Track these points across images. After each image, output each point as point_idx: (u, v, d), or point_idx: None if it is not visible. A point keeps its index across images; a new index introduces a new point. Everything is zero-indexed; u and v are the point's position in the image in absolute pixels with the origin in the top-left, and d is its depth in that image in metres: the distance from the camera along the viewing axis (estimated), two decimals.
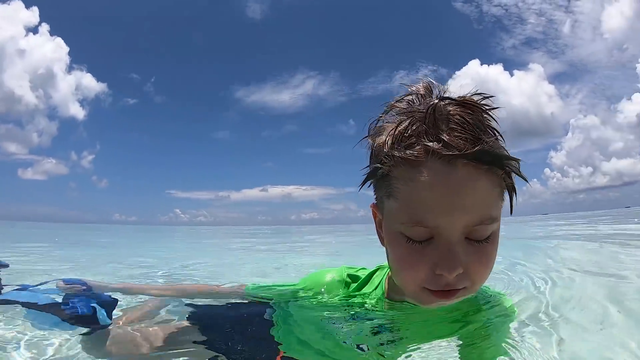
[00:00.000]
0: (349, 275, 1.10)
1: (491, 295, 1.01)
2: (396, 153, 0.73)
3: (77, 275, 1.34)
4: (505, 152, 0.75)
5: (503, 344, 0.91)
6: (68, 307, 1.08)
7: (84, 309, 1.07)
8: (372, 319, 0.98)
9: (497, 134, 0.76)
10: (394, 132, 0.75)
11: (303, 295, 1.13)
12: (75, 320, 1.07)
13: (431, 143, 0.70)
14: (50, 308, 1.10)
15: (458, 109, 0.72)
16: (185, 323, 1.20)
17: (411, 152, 0.71)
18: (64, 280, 1.25)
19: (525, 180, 0.78)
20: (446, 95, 0.76)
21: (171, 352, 1.08)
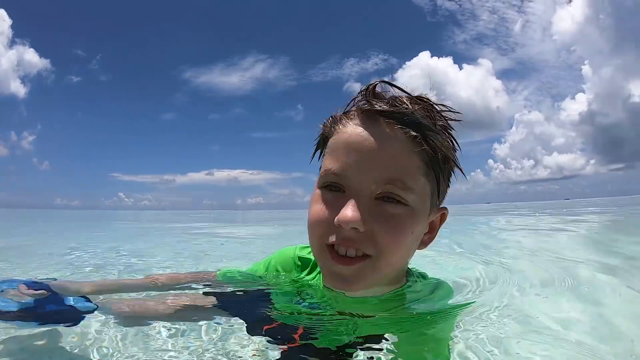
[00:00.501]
0: (299, 258, 1.12)
1: (429, 296, 0.97)
2: (336, 115, 0.84)
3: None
4: (432, 124, 0.78)
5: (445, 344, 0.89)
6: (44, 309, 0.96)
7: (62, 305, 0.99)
8: (312, 308, 0.99)
9: (446, 135, 0.82)
10: (342, 109, 0.85)
11: (265, 278, 1.18)
12: (57, 317, 0.98)
13: (360, 103, 0.81)
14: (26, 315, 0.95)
15: (406, 97, 0.80)
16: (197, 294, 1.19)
17: (345, 114, 0.83)
18: (25, 284, 1.01)
19: (455, 163, 0.84)
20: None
21: (186, 311, 1.08)
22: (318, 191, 0.81)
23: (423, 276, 1.03)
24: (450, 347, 0.89)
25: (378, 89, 0.81)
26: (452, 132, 0.85)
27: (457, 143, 0.85)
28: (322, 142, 0.87)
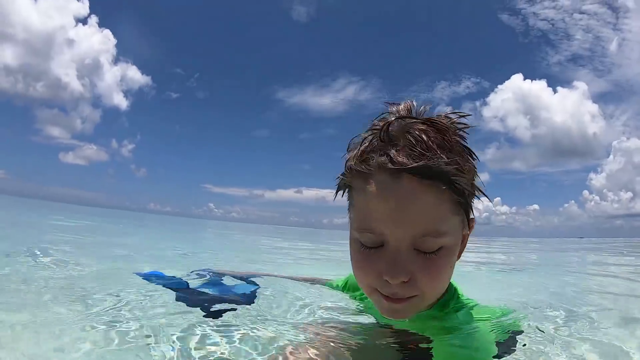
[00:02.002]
0: None
1: (475, 324, 1.00)
2: (353, 165, 0.84)
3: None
4: (455, 169, 0.77)
5: None
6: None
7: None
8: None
9: (465, 151, 0.83)
10: (359, 147, 0.84)
11: (349, 289, 1.43)
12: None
13: (381, 158, 0.78)
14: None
15: (421, 127, 0.79)
16: None
17: (364, 165, 0.81)
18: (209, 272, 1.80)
19: (480, 193, 0.86)
20: (428, 116, 0.84)
21: None
22: (356, 242, 0.85)
23: (464, 297, 1.07)
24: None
25: (392, 127, 0.80)
26: (467, 143, 0.85)
27: (474, 155, 0.86)
28: (347, 189, 0.90)
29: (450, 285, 1.03)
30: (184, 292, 1.46)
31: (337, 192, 0.92)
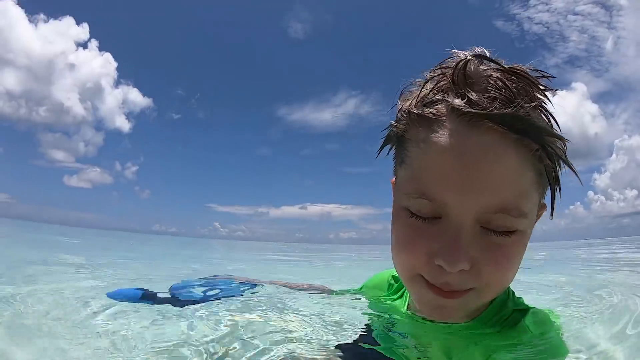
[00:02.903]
0: (393, 277, 1.03)
1: (533, 321, 0.74)
2: (414, 110, 0.62)
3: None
4: (550, 128, 0.61)
5: None
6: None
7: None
8: (391, 330, 0.89)
9: (549, 116, 0.63)
10: (420, 91, 0.64)
11: (364, 292, 1.19)
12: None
13: (456, 100, 0.58)
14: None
15: (500, 74, 0.59)
16: None
17: (429, 109, 0.60)
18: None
19: (572, 169, 0.64)
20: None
21: None
22: (404, 211, 0.63)
23: (519, 297, 0.81)
24: None
25: (470, 68, 0.60)
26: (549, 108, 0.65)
27: (557, 122, 0.65)
28: (397, 142, 0.68)
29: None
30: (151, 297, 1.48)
31: (382, 146, 0.72)
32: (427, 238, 0.60)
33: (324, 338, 1.02)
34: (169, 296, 1.45)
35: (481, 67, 0.60)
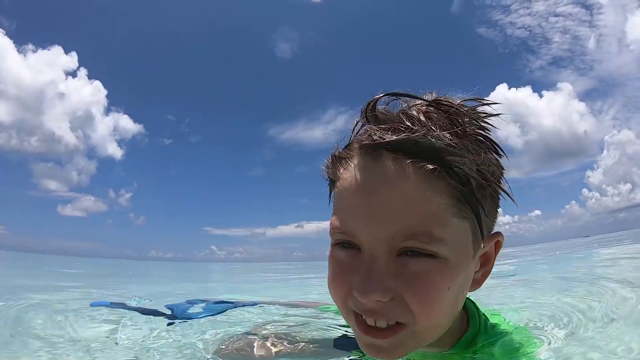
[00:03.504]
0: None
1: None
2: (336, 153, 0.66)
3: None
4: (453, 148, 0.57)
5: None
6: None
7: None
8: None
9: (486, 143, 0.64)
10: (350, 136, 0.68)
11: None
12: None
13: (361, 137, 0.62)
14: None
15: (421, 107, 0.61)
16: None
17: (345, 150, 0.65)
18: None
19: (499, 188, 0.63)
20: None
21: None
22: (332, 247, 0.65)
23: (493, 326, 0.80)
24: None
25: (380, 105, 0.63)
26: (491, 135, 0.65)
27: (499, 149, 0.65)
28: (331, 185, 0.70)
29: (474, 315, 0.78)
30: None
31: (330, 193, 0.71)
32: (348, 271, 0.61)
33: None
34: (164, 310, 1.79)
35: (407, 103, 0.64)
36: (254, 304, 1.99)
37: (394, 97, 0.64)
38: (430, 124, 0.57)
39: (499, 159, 0.65)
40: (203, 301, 2.09)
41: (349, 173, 0.61)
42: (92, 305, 2.13)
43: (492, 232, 0.67)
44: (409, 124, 0.57)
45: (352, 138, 0.66)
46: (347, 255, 0.62)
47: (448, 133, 0.57)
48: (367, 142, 0.58)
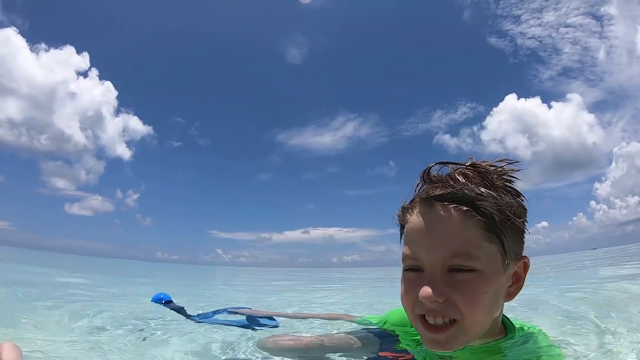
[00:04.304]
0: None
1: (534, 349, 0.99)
2: (405, 205, 0.96)
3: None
4: (478, 195, 0.84)
5: None
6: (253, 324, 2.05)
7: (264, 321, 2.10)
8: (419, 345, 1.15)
9: (510, 191, 0.90)
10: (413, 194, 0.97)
11: (389, 326, 1.41)
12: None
13: (421, 193, 0.91)
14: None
15: (463, 170, 0.90)
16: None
17: (411, 203, 0.94)
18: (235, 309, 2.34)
19: (508, 216, 0.86)
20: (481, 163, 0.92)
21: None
22: (403, 271, 0.92)
23: (522, 328, 1.07)
24: None
25: (433, 171, 0.92)
26: (513, 184, 0.92)
27: (518, 194, 0.92)
28: (401, 229, 0.97)
29: (510, 324, 1.03)
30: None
31: (400, 237, 0.98)
32: (415, 285, 0.86)
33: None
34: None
35: (450, 167, 0.92)
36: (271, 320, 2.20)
37: (443, 164, 0.93)
38: (467, 180, 0.87)
39: (521, 201, 0.92)
40: (229, 312, 2.31)
41: (413, 217, 0.90)
42: (153, 301, 2.54)
43: (520, 256, 0.92)
44: (452, 182, 0.87)
45: (414, 195, 0.95)
46: (414, 275, 0.88)
47: (482, 187, 0.86)
48: (424, 196, 0.88)
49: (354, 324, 1.84)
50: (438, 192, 0.85)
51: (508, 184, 0.91)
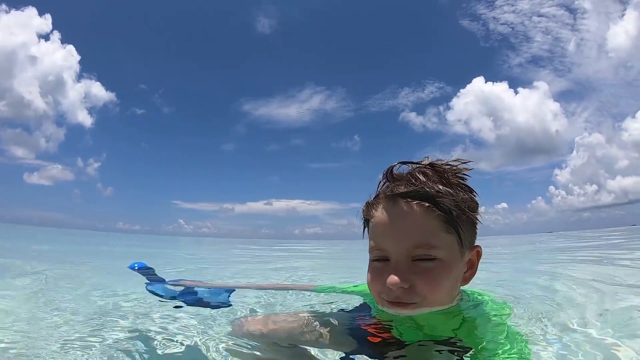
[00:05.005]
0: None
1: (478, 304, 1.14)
2: (370, 201, 1.06)
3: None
4: (438, 192, 0.95)
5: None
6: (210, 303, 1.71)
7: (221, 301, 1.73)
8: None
9: (465, 187, 1.01)
10: (376, 191, 1.07)
11: (354, 292, 1.48)
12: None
13: (385, 190, 1.02)
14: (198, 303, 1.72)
15: (422, 169, 1.01)
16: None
17: (376, 199, 1.05)
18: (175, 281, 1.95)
19: (465, 213, 0.97)
20: (441, 163, 1.02)
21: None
22: (370, 260, 1.03)
23: (473, 292, 1.21)
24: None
25: (395, 170, 1.03)
26: (467, 181, 1.03)
27: (471, 190, 1.03)
28: (366, 223, 1.08)
29: (464, 292, 1.15)
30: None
31: (363, 230, 1.10)
32: (382, 273, 0.97)
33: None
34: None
35: (410, 167, 1.03)
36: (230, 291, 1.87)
37: (404, 164, 1.04)
38: (426, 179, 0.98)
39: (473, 197, 1.04)
40: (190, 291, 1.85)
41: (379, 212, 1.01)
42: (130, 267, 2.17)
43: (473, 245, 1.05)
44: (413, 181, 0.98)
45: (378, 191, 1.06)
46: (381, 265, 0.99)
47: (440, 184, 0.97)
48: (389, 193, 0.99)
49: (315, 294, 1.94)
50: (402, 189, 0.96)
51: (462, 181, 1.02)
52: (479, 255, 1.06)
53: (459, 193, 0.99)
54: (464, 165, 1.04)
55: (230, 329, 1.23)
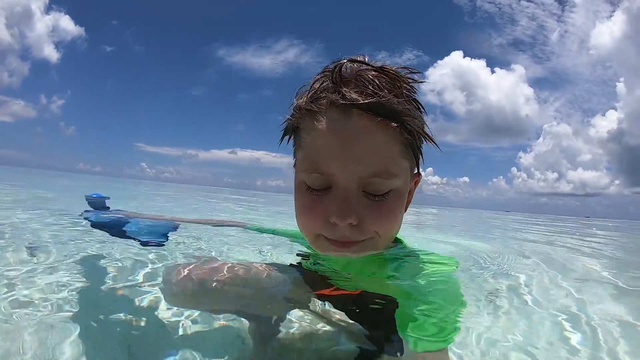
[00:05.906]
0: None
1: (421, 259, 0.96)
2: (304, 105, 0.79)
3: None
4: (407, 109, 0.76)
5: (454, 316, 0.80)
6: (143, 238, 1.47)
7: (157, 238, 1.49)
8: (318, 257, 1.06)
9: (413, 104, 0.80)
10: (309, 91, 0.80)
11: (296, 238, 1.30)
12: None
13: (332, 95, 0.75)
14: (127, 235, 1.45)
15: (371, 72, 0.76)
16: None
17: (315, 104, 0.77)
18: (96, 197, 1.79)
19: (427, 138, 0.83)
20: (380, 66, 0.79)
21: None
22: (303, 185, 0.81)
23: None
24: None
25: (345, 70, 0.78)
26: (416, 96, 0.82)
27: (422, 107, 0.84)
28: (293, 132, 0.86)
29: (397, 239, 0.99)
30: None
31: (283, 137, 0.88)
32: (322, 204, 0.77)
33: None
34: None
35: (356, 66, 0.77)
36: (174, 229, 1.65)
37: (352, 62, 0.78)
38: (384, 88, 0.74)
39: (420, 114, 0.83)
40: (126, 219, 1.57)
41: (322, 123, 0.76)
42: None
43: (417, 172, 0.89)
44: (371, 88, 0.74)
45: (316, 93, 0.78)
46: (319, 193, 0.78)
47: (392, 94, 0.74)
48: (343, 101, 0.73)
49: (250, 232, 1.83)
50: (359, 99, 0.73)
51: (414, 94, 0.82)
52: (417, 183, 0.92)
53: (415, 110, 0.81)
54: (416, 76, 0.83)
55: (166, 279, 0.93)
